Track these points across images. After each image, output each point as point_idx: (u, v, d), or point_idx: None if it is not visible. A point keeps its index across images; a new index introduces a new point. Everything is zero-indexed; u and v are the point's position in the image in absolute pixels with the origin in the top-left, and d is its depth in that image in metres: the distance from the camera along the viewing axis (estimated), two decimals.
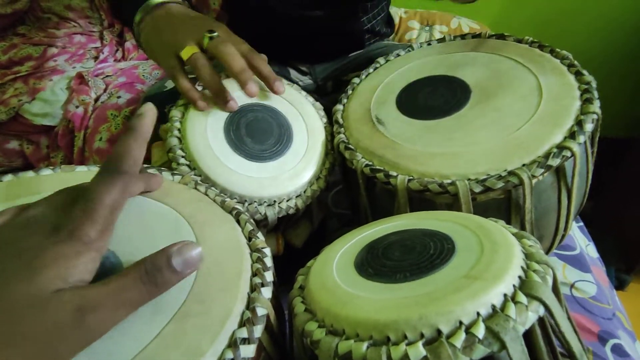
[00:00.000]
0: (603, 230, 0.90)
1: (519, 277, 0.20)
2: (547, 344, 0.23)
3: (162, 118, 0.56)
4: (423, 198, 0.34)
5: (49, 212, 0.21)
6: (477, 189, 0.32)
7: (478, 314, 0.18)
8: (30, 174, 0.31)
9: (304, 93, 0.46)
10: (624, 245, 1.07)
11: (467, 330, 0.18)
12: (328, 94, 0.67)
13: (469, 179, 0.33)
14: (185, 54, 0.38)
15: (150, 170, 0.33)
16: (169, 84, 0.60)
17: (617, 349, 0.45)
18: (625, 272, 1.07)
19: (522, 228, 0.34)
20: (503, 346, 0.17)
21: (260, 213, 0.35)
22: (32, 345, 0.17)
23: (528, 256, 0.22)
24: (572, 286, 0.52)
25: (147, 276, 0.19)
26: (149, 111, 0.23)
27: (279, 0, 0.56)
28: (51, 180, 0.30)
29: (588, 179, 0.40)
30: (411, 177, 0.34)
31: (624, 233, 1.07)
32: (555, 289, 0.21)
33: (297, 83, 0.61)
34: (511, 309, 0.18)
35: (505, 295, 0.19)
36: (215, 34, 0.38)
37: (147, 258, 0.20)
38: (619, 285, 1.05)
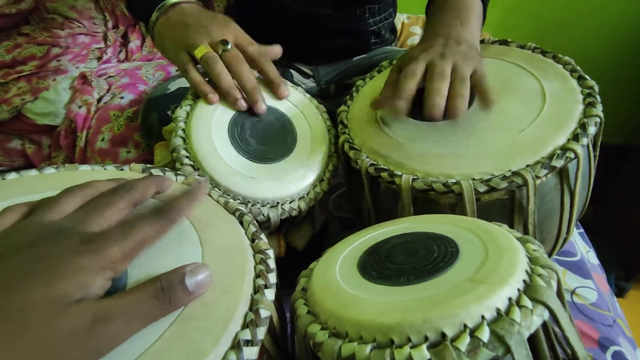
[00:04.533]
0: (603, 237, 0.90)
1: (524, 281, 0.20)
2: (550, 350, 0.23)
3: (165, 120, 0.56)
4: (427, 198, 0.35)
5: (75, 221, 0.21)
6: (482, 188, 0.32)
7: (483, 317, 0.18)
8: (33, 172, 0.31)
9: (308, 95, 0.46)
10: (624, 253, 1.07)
11: (472, 334, 0.18)
12: (331, 97, 0.67)
13: (473, 179, 0.33)
14: (199, 52, 0.39)
15: (153, 171, 0.33)
16: (172, 87, 0.60)
17: (618, 356, 0.45)
18: (625, 279, 1.06)
19: (525, 230, 0.35)
20: (508, 350, 0.17)
21: (263, 214, 0.35)
22: (46, 350, 0.17)
23: (532, 260, 0.22)
24: (572, 292, 0.52)
25: (162, 293, 0.20)
26: (207, 185, 0.26)
27: None
28: (54, 179, 0.30)
29: (590, 182, 0.40)
30: (415, 177, 0.35)
31: (624, 240, 1.07)
32: (559, 294, 0.21)
33: (299, 86, 0.62)
34: (516, 313, 0.18)
35: (510, 299, 0.19)
36: (229, 46, 0.39)
37: (162, 276, 0.21)
38: (619, 292, 1.05)
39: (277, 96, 0.42)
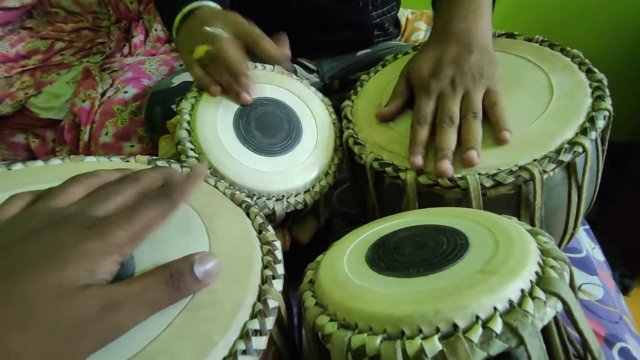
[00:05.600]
0: (608, 234, 0.89)
1: (536, 272, 0.20)
2: (561, 343, 0.23)
3: (169, 114, 0.56)
4: (432, 193, 0.34)
5: (80, 208, 0.21)
6: (488, 183, 0.32)
7: (495, 308, 0.18)
8: (39, 163, 0.31)
9: (313, 89, 0.45)
10: (629, 250, 1.06)
11: (484, 325, 0.17)
12: (335, 92, 0.67)
13: (479, 174, 0.32)
14: (196, 54, 0.39)
15: (159, 162, 0.33)
16: (176, 81, 0.60)
17: (624, 353, 0.45)
18: (629, 277, 1.06)
19: (532, 225, 0.34)
20: (521, 342, 0.17)
21: (268, 207, 0.35)
22: (53, 336, 0.16)
23: (544, 252, 0.21)
24: (578, 289, 0.51)
25: (171, 280, 0.20)
26: (206, 169, 0.25)
27: None
28: (60, 169, 0.30)
29: (598, 177, 0.40)
30: (421, 171, 0.34)
31: (628, 238, 1.06)
32: (571, 286, 0.21)
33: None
34: (529, 304, 0.18)
35: (522, 290, 0.19)
36: (219, 31, 0.39)
37: (172, 263, 0.21)
38: (623, 290, 1.05)
39: (280, 62, 0.41)
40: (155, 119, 0.58)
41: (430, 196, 0.35)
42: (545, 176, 0.32)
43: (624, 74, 1.14)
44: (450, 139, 0.34)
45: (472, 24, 0.40)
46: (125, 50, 0.92)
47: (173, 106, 0.56)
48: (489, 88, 0.37)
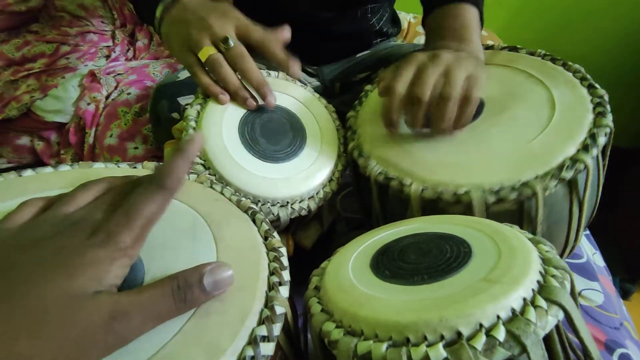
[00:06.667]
0: (608, 239, 0.89)
1: (538, 281, 0.20)
2: (562, 352, 0.23)
3: (175, 108, 0.56)
4: (436, 207, 0.34)
5: (88, 213, 0.21)
6: (492, 199, 0.32)
7: (498, 317, 0.18)
8: (48, 169, 0.31)
9: (316, 95, 0.46)
10: (629, 255, 1.06)
11: (488, 333, 0.18)
12: (336, 95, 0.67)
13: (483, 189, 0.33)
14: (203, 55, 0.38)
15: None
16: (182, 75, 0.60)
17: (625, 359, 0.45)
18: (629, 281, 1.06)
19: None
20: (524, 350, 0.17)
21: (273, 214, 0.36)
22: (62, 343, 0.17)
23: (545, 261, 0.22)
24: (578, 294, 0.52)
25: (178, 292, 0.20)
26: (198, 138, 0.24)
27: (289, 0, 0.57)
28: (69, 176, 0.30)
29: (599, 191, 0.40)
30: (425, 187, 0.34)
31: (629, 242, 1.07)
32: (572, 295, 0.21)
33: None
34: (531, 313, 0.18)
35: (524, 299, 0.19)
36: (232, 43, 0.38)
37: (180, 274, 0.20)
38: (624, 295, 1.05)
39: (290, 75, 0.41)
40: (160, 113, 0.58)
41: (434, 210, 0.35)
42: (547, 192, 0.32)
43: (623, 80, 1.15)
44: (424, 96, 0.35)
45: (464, 43, 0.42)
46: (130, 54, 0.93)
47: (179, 99, 0.56)
48: (471, 73, 0.35)
